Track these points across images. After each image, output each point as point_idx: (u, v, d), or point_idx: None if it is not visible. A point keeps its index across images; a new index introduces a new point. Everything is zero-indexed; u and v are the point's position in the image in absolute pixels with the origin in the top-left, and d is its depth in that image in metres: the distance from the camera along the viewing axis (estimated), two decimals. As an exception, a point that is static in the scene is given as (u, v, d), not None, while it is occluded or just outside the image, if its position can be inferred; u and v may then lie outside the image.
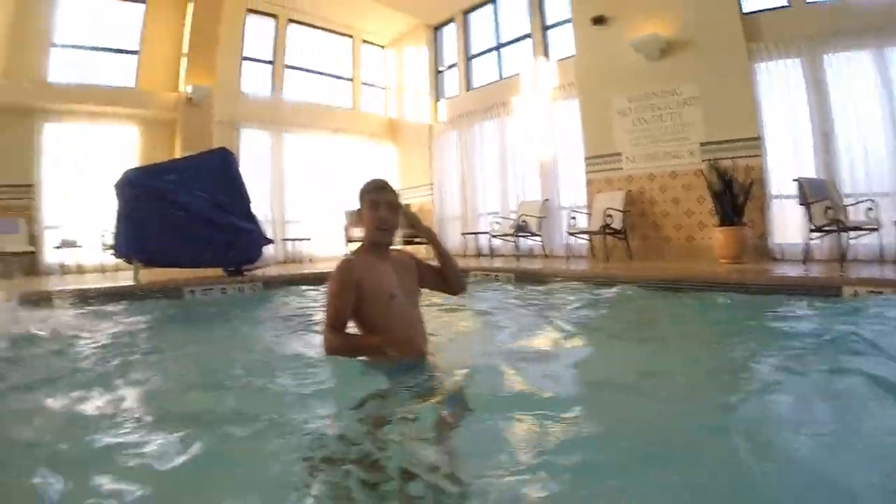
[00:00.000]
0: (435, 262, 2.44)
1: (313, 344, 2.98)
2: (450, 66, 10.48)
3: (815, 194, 5.64)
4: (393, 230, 2.26)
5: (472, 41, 10.22)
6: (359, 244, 2.52)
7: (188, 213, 6.02)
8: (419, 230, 2.38)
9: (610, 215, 6.84)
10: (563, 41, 8.54)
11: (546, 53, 8.92)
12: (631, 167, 7.43)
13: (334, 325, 2.12)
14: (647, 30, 7.11)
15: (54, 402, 2.15)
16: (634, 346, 2.86)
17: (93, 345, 3.23)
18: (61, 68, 9.33)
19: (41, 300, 4.34)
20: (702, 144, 6.93)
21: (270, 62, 10.54)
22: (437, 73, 10.81)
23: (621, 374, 2.26)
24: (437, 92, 10.81)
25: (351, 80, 11.56)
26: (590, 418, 1.70)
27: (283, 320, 4.13)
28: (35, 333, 3.42)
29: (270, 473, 1.41)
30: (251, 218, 6.57)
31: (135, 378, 2.50)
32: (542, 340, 2.97)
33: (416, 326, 2.24)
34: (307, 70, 11.00)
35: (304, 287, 5.95)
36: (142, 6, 9.82)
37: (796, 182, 5.76)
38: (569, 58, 8.28)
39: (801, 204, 5.74)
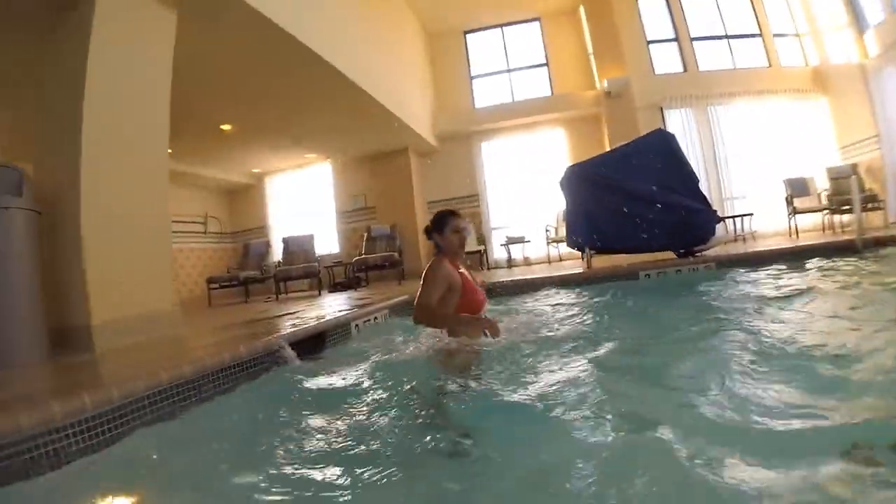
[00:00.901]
0: None
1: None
2: None
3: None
4: None
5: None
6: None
7: (635, 199, 7.11)
8: None
9: None
10: None
11: None
12: None
13: None
14: None
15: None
16: None
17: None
18: (484, 94, 14.08)
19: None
20: None
21: (674, 39, 13.09)
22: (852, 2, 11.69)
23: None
24: (859, 22, 11.55)
25: (759, 35, 13.09)
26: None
27: (756, 301, 4.58)
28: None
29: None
30: (700, 196, 7.43)
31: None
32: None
33: None
34: (712, 38, 13.12)
35: (758, 267, 6.46)
36: (536, 23, 13.89)
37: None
38: None
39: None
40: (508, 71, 14.00)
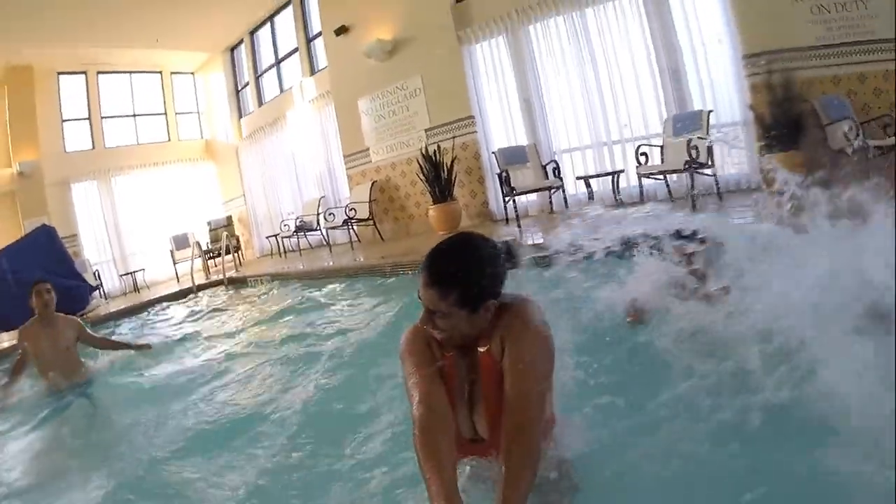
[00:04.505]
0: None
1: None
2: (244, 86, 14.76)
3: (509, 162, 8.84)
4: None
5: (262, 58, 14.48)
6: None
7: (22, 284, 8.42)
8: None
9: (353, 209, 10.86)
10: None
11: (312, 64, 12.91)
12: (377, 159, 11.43)
13: None
14: (372, 36, 10.52)
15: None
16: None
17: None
18: None
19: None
20: (426, 130, 10.47)
21: (87, 118, 13.98)
22: (237, 93, 14.90)
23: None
24: (240, 109, 14.99)
25: (164, 113, 14.88)
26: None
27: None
28: None
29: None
30: (76, 275, 9.50)
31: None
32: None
33: None
34: (123, 116, 14.51)
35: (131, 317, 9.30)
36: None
37: (493, 154, 9.24)
38: (324, 69, 12.34)
39: (498, 174, 8.67)
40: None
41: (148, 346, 6.06)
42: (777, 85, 6.90)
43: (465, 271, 1.76)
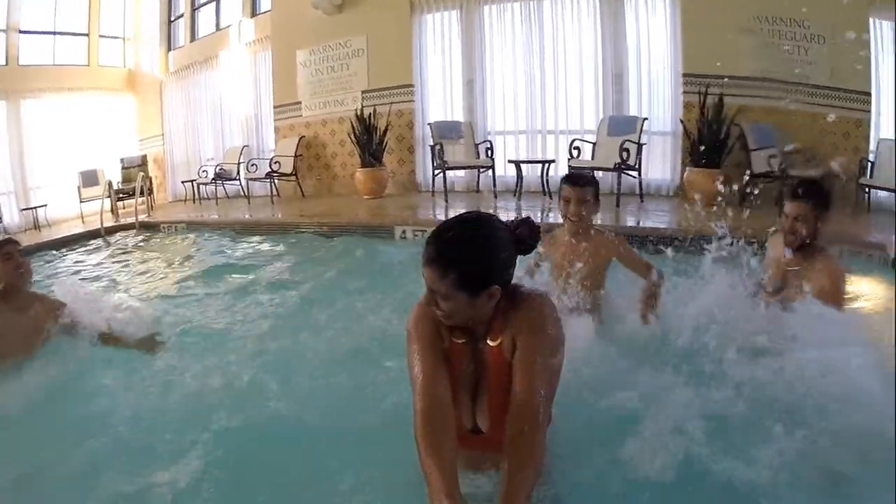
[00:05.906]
0: None
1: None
2: (178, 17, 14.09)
3: (444, 136, 9.09)
4: None
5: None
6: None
7: None
8: None
9: (278, 162, 10.97)
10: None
11: (254, 5, 12.46)
12: (308, 114, 11.36)
13: None
14: (324, -14, 10.34)
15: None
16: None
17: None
18: None
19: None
20: (363, 92, 10.51)
21: (3, 30, 12.91)
22: (170, 23, 14.22)
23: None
24: (170, 42, 14.30)
25: (87, 34, 13.88)
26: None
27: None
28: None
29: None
30: None
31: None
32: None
33: None
34: (42, 32, 13.46)
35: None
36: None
37: (429, 125, 9.53)
38: (266, 12, 12.05)
39: (431, 146, 9.10)
40: None
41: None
42: (709, 106, 7.58)
43: (468, 252, 1.71)
